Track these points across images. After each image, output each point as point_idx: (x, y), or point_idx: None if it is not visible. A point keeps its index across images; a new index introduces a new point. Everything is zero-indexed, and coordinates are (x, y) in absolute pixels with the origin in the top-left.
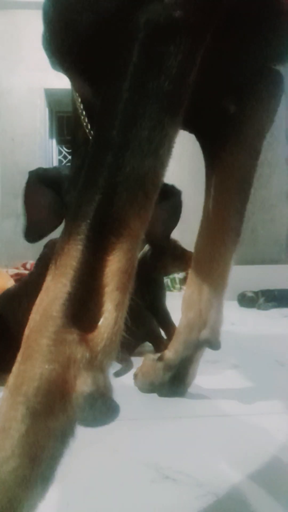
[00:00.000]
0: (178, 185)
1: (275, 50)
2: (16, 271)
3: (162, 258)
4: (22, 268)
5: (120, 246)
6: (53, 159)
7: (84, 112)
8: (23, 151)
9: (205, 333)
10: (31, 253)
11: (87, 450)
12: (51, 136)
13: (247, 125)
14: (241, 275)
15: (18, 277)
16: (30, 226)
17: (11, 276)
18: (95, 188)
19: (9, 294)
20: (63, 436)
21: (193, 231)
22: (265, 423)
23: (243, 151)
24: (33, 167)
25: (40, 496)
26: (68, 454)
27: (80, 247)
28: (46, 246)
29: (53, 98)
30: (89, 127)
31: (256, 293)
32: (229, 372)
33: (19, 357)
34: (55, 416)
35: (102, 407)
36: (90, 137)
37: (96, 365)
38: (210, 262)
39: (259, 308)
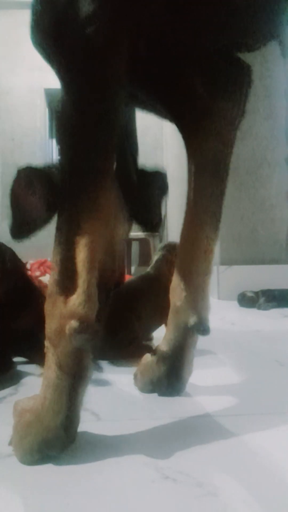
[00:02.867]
0: (177, 184)
1: (239, 35)
2: None
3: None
4: None
5: (82, 242)
6: (53, 159)
7: None
8: (23, 151)
9: (193, 319)
10: (31, 253)
11: (87, 450)
12: (51, 136)
13: (217, 115)
14: (241, 275)
15: None
16: (17, 224)
17: None
18: (60, 206)
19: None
20: (78, 372)
21: None
22: (265, 423)
23: (216, 140)
24: None
25: (74, 422)
26: (68, 455)
27: (60, 248)
28: (163, 248)
29: (53, 98)
30: None
31: (256, 293)
32: (228, 372)
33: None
34: (61, 347)
35: (86, 334)
36: None
37: (76, 314)
38: (193, 249)
39: (259, 308)
